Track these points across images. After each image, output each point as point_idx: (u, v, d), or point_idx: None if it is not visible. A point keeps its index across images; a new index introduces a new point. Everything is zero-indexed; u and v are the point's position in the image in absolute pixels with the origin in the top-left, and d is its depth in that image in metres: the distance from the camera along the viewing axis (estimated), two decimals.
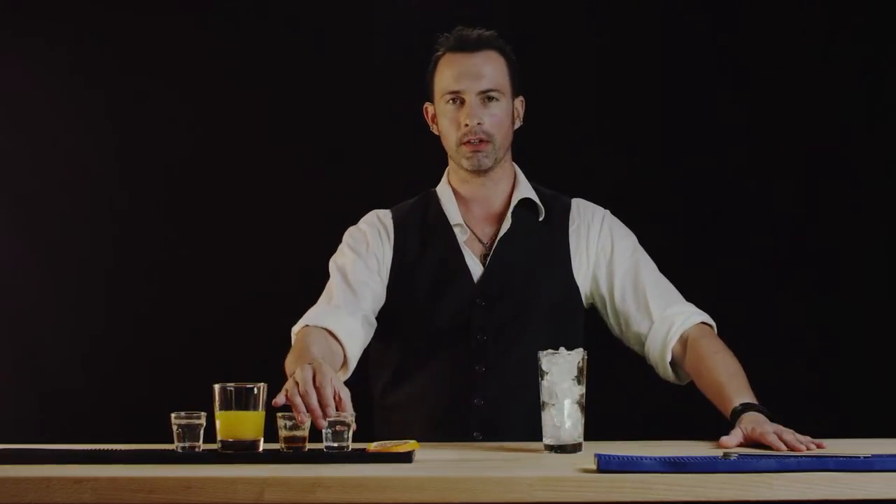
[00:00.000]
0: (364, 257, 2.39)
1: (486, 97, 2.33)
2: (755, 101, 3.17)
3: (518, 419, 2.19)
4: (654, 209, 3.04)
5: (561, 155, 2.99)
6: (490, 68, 2.34)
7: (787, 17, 3.17)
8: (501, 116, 2.35)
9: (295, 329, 2.29)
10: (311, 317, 2.29)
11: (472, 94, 2.33)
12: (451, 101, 2.35)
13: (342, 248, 2.44)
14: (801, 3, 3.16)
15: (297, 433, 1.82)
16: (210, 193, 3.18)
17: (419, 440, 1.98)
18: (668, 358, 2.31)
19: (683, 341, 2.30)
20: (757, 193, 3.15)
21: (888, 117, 3.15)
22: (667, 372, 2.34)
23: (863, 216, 3.15)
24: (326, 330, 2.25)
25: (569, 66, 3.11)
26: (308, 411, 1.80)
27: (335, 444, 1.80)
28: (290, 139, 3.19)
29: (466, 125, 2.33)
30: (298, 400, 1.80)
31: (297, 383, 1.83)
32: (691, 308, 2.36)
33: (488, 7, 3.08)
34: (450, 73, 2.35)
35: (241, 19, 3.20)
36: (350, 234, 2.46)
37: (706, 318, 2.35)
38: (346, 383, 2.62)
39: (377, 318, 2.38)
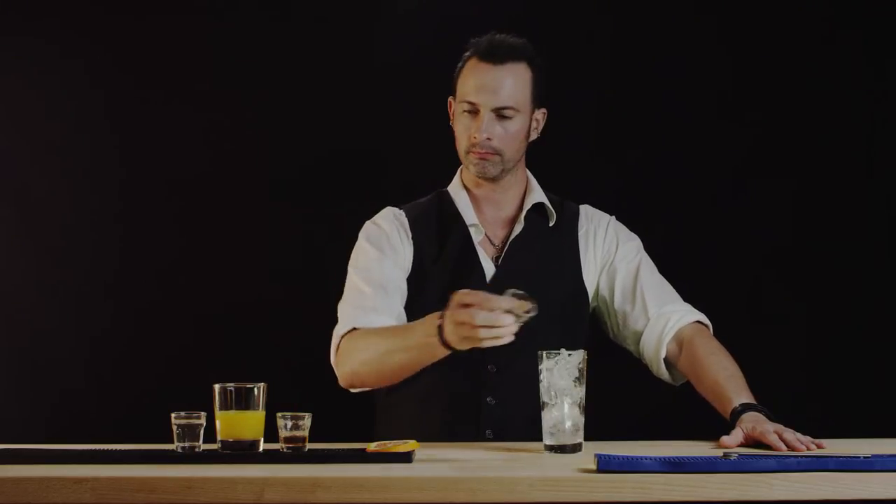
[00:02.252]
0: (388, 254, 2.37)
1: (501, 114, 2.33)
2: (755, 101, 3.17)
3: (529, 418, 2.18)
4: (653, 209, 3.04)
5: (561, 158, 2.99)
6: (511, 83, 2.32)
7: (788, 17, 3.17)
8: (514, 133, 2.35)
9: (341, 331, 2.29)
10: (354, 320, 2.29)
11: (486, 109, 2.32)
12: (467, 110, 2.34)
13: (362, 246, 2.41)
14: (803, 3, 3.17)
15: (297, 433, 1.82)
16: (212, 193, 3.17)
17: (429, 439, 1.98)
18: (663, 354, 2.32)
19: (679, 340, 2.31)
20: (757, 193, 3.15)
21: (889, 117, 3.15)
22: (660, 369, 2.35)
23: (863, 216, 3.15)
24: None
25: (569, 67, 3.11)
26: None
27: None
28: (292, 140, 3.18)
29: (475, 138, 2.33)
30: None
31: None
32: (687, 307, 2.37)
33: (489, 11, 3.08)
34: (472, 81, 2.33)
35: (243, 19, 3.20)
36: (369, 232, 2.43)
37: (702, 317, 2.36)
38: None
39: None
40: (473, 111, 2.33)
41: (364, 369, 2.26)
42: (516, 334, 1.98)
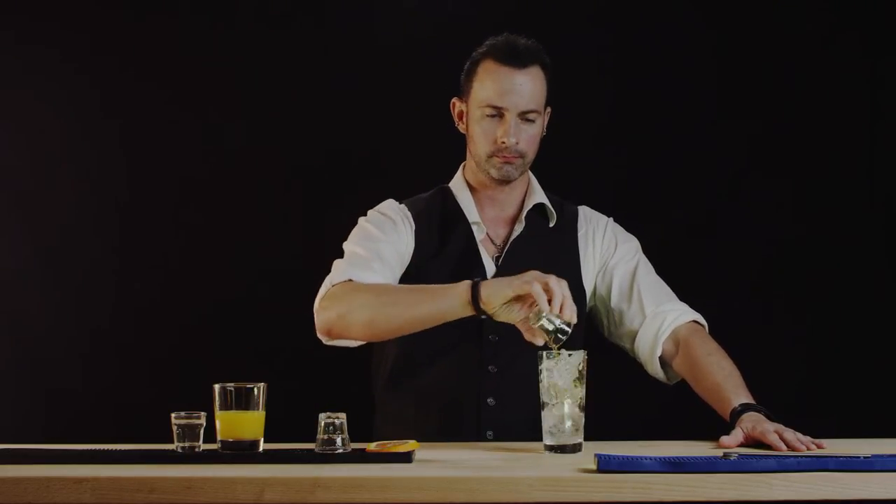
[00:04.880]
0: (389, 235, 2.34)
1: (525, 117, 2.32)
2: (755, 100, 3.17)
3: (530, 419, 2.18)
4: (653, 208, 3.04)
5: (560, 158, 2.99)
6: (533, 87, 2.32)
7: (788, 17, 3.17)
8: (534, 135, 2.35)
9: (335, 279, 2.23)
10: (350, 273, 2.23)
11: (513, 113, 2.31)
12: (490, 115, 2.33)
13: (362, 225, 2.38)
14: (802, 3, 3.17)
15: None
16: (211, 193, 3.17)
17: (428, 439, 1.97)
18: (658, 353, 2.32)
19: (675, 340, 2.31)
20: (756, 193, 3.15)
21: (889, 117, 3.15)
22: (655, 368, 2.34)
23: (862, 216, 3.15)
24: None
25: (567, 66, 3.11)
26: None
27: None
28: (291, 139, 3.19)
29: (503, 143, 2.32)
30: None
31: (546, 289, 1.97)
32: (684, 306, 2.37)
33: (488, 9, 3.08)
34: (493, 85, 2.32)
35: (243, 17, 3.20)
36: (371, 217, 2.41)
37: (698, 316, 2.35)
38: (349, 380, 2.64)
39: None
40: (498, 115, 2.32)
41: (357, 315, 2.17)
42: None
